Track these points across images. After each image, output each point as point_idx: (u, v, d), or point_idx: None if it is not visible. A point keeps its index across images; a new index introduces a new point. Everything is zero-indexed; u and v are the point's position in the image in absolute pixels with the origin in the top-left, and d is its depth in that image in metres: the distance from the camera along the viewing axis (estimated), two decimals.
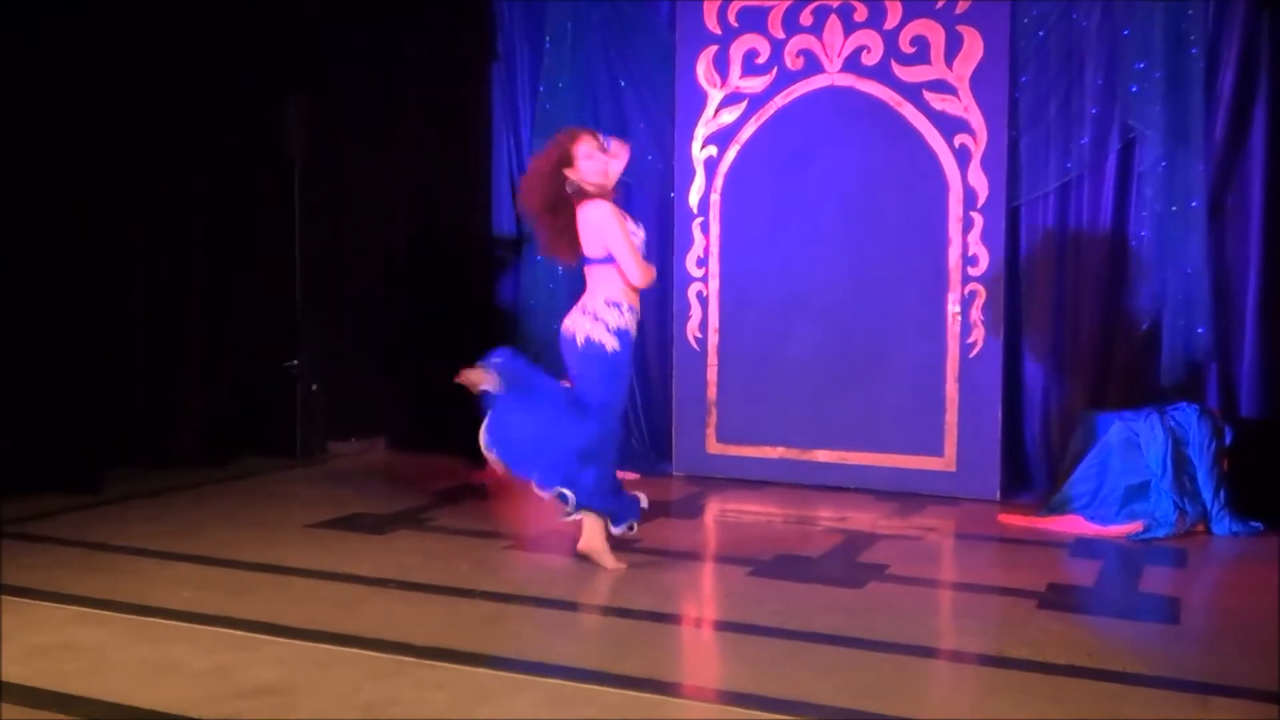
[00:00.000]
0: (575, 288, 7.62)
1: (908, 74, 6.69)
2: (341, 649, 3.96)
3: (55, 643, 4.00)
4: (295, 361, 7.63)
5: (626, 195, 7.59)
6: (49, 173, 6.40)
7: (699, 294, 7.25)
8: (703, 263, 7.24)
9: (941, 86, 6.62)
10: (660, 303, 7.56)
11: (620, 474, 6.96)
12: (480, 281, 7.95)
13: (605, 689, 3.61)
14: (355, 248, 8.12)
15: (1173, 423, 5.85)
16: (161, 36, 7.01)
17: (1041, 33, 6.52)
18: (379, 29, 7.85)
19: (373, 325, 8.14)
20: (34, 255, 6.38)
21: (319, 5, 7.76)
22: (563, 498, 4.93)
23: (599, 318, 4.90)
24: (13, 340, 6.32)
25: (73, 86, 6.51)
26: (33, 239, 6.37)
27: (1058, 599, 4.74)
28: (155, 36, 6.98)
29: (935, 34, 6.63)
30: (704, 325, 7.24)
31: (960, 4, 6.58)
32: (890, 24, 6.72)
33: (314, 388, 7.72)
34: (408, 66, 7.94)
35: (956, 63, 6.59)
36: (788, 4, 6.94)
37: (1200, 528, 5.78)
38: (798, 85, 6.94)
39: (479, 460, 7.17)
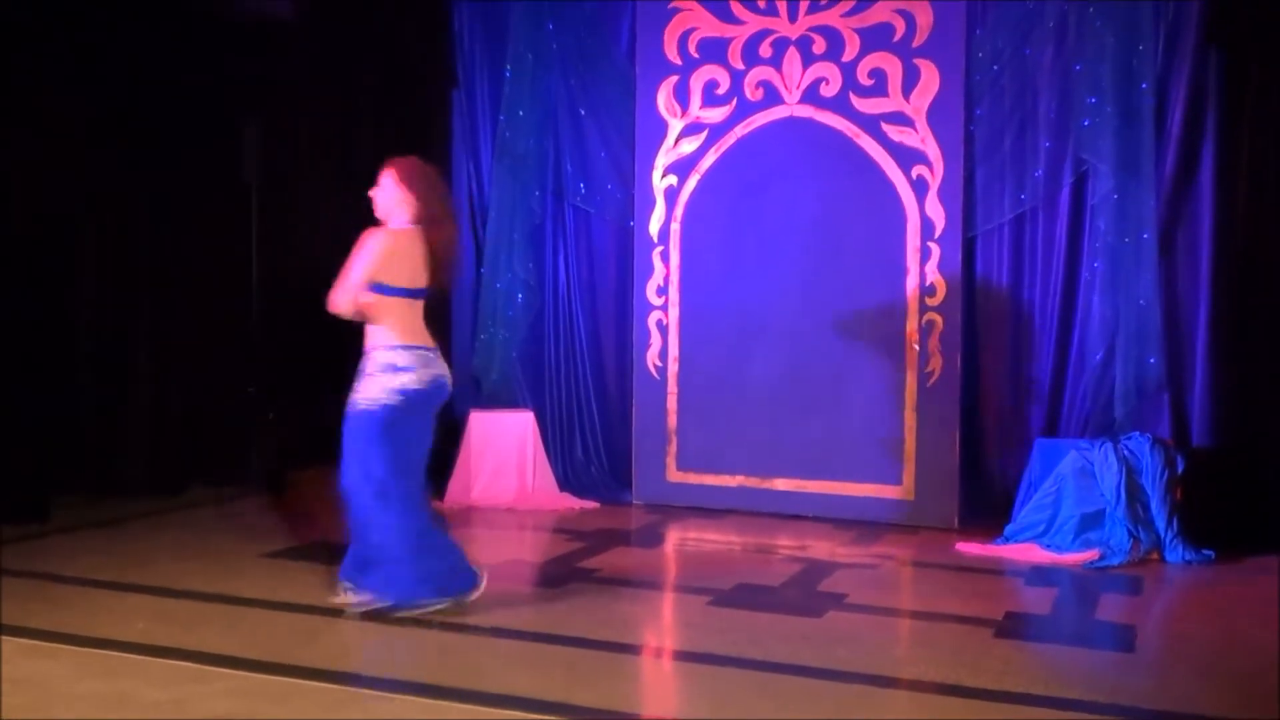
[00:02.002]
0: (536, 312, 7.68)
1: (866, 106, 6.76)
2: (298, 681, 3.90)
3: (2, 677, 3.90)
4: (251, 389, 7.55)
5: (587, 223, 7.64)
6: None
7: (659, 322, 7.26)
8: (663, 291, 7.26)
9: (899, 119, 6.70)
10: (620, 331, 7.58)
11: (573, 504, 6.97)
12: (438, 306, 7.90)
13: None
14: (312, 272, 8.04)
15: (1126, 452, 5.92)
16: (120, 59, 6.94)
17: (996, 67, 6.62)
18: (339, 54, 7.82)
19: (330, 351, 8.06)
20: None
21: (278, 29, 7.72)
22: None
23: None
24: None
25: (24, 106, 6.43)
26: None
27: (1014, 627, 4.77)
28: (112, 59, 6.92)
29: (893, 67, 6.71)
30: (664, 353, 7.25)
31: (917, 37, 6.67)
32: (848, 56, 6.80)
33: (270, 415, 7.63)
34: (367, 91, 7.91)
35: (914, 95, 6.68)
36: (747, 36, 7.01)
37: (1154, 555, 5.85)
38: (757, 116, 7.00)
39: (439, 488, 7.21)
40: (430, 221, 4.71)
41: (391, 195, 4.72)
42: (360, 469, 4.58)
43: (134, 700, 3.71)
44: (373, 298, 4.57)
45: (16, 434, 6.32)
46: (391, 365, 4.57)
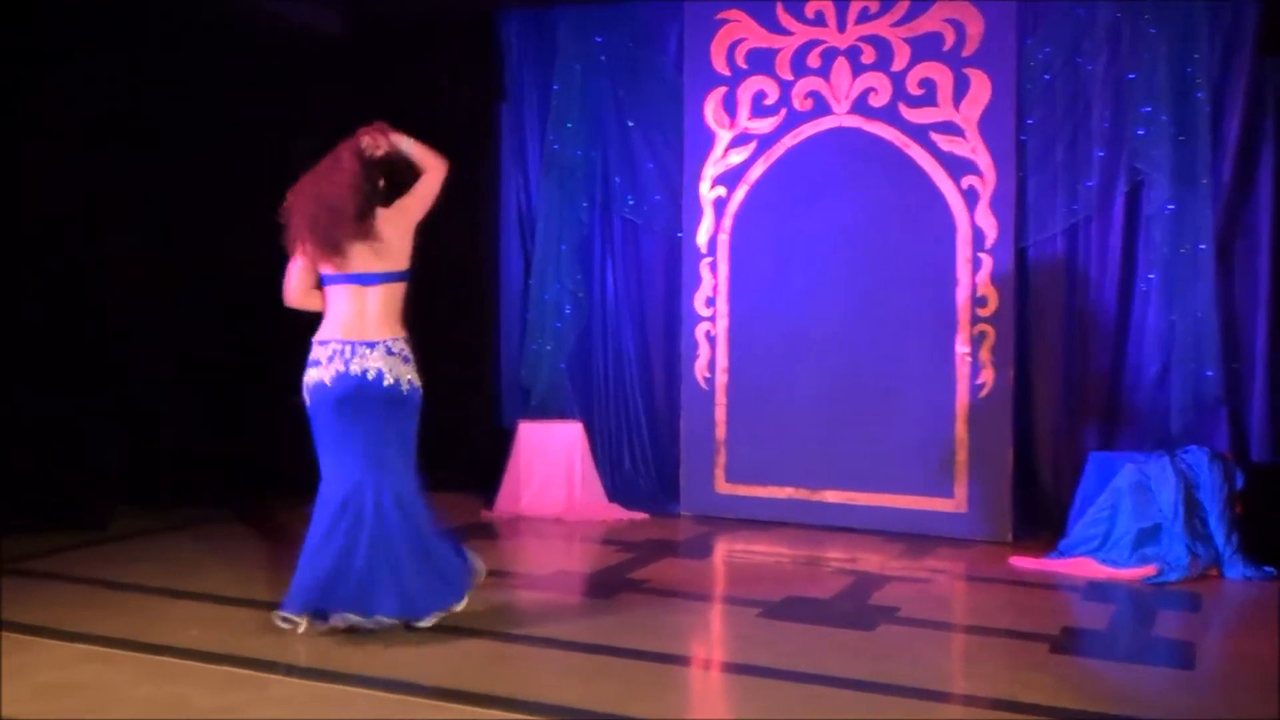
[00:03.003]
0: (584, 323, 7.70)
1: (915, 115, 6.73)
2: (350, 689, 3.93)
3: (61, 681, 3.96)
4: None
5: (635, 235, 7.65)
6: (59, 212, 6.43)
7: (707, 333, 7.25)
8: (711, 302, 7.25)
9: (949, 128, 6.66)
10: (668, 342, 7.58)
11: (621, 515, 6.90)
12: (488, 317, 7.96)
13: None
14: None
15: (1184, 466, 5.83)
16: (172, 75, 7.05)
17: (1048, 76, 6.56)
18: (386, 68, 7.90)
19: None
20: (42, 294, 6.40)
21: (327, 44, 7.81)
22: None
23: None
24: (21, 378, 6.33)
25: (81, 126, 6.54)
26: (41, 277, 6.40)
27: (1070, 643, 4.71)
28: (165, 74, 7.03)
29: (943, 76, 6.67)
30: (712, 365, 7.24)
31: (968, 47, 6.63)
32: (898, 66, 6.77)
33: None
34: (415, 106, 7.97)
35: (964, 105, 6.63)
36: (796, 46, 7.00)
37: (1213, 572, 5.75)
38: (806, 126, 6.98)
39: (488, 498, 7.24)
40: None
41: None
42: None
43: (189, 705, 3.75)
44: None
45: (78, 447, 6.43)
46: (307, 360, 4.56)
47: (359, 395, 4.47)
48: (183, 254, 7.23)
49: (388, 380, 4.51)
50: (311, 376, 4.53)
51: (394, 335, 4.58)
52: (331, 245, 4.46)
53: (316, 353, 4.54)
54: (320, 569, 4.45)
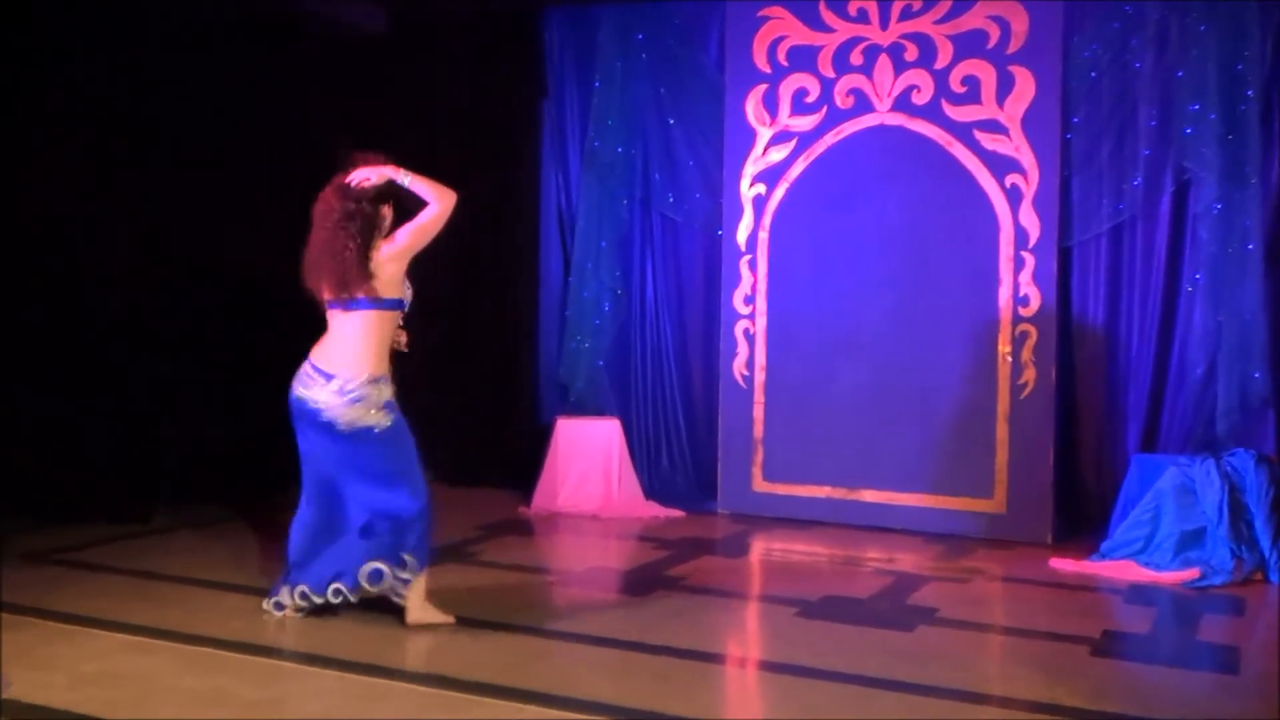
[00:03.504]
0: (623, 320, 7.71)
1: (958, 113, 6.67)
2: (389, 682, 3.96)
3: (103, 671, 4.02)
4: None
5: (674, 232, 7.65)
6: (114, 206, 6.52)
7: (746, 331, 7.23)
8: (750, 300, 7.23)
9: (993, 126, 6.60)
10: (706, 339, 7.57)
11: (658, 513, 6.89)
12: (527, 314, 7.98)
13: None
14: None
15: (1229, 469, 5.75)
16: (217, 75, 7.11)
17: (1094, 74, 6.49)
18: (429, 66, 7.94)
19: (415, 360, 8.17)
20: (85, 288, 6.49)
21: (370, 44, 7.86)
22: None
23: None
24: (66, 372, 6.42)
25: (126, 125, 6.63)
26: (85, 271, 6.48)
27: (1112, 646, 4.66)
28: (210, 75, 7.09)
29: (987, 74, 6.61)
30: (750, 363, 7.22)
31: (1012, 44, 6.56)
32: (941, 63, 6.72)
33: None
34: (458, 102, 8.02)
35: (1008, 102, 6.57)
36: (838, 43, 6.96)
37: (1258, 576, 5.66)
38: (847, 124, 6.94)
39: (525, 495, 7.27)
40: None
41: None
42: None
43: (232, 697, 3.79)
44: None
45: (120, 439, 6.50)
46: None
47: (303, 416, 4.56)
48: (235, 253, 7.29)
49: (324, 416, 4.50)
50: (291, 389, 4.62)
51: (355, 374, 4.49)
52: (347, 290, 4.52)
53: (299, 370, 4.62)
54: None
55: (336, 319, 4.58)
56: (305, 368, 4.58)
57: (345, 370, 4.49)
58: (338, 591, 4.59)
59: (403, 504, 4.56)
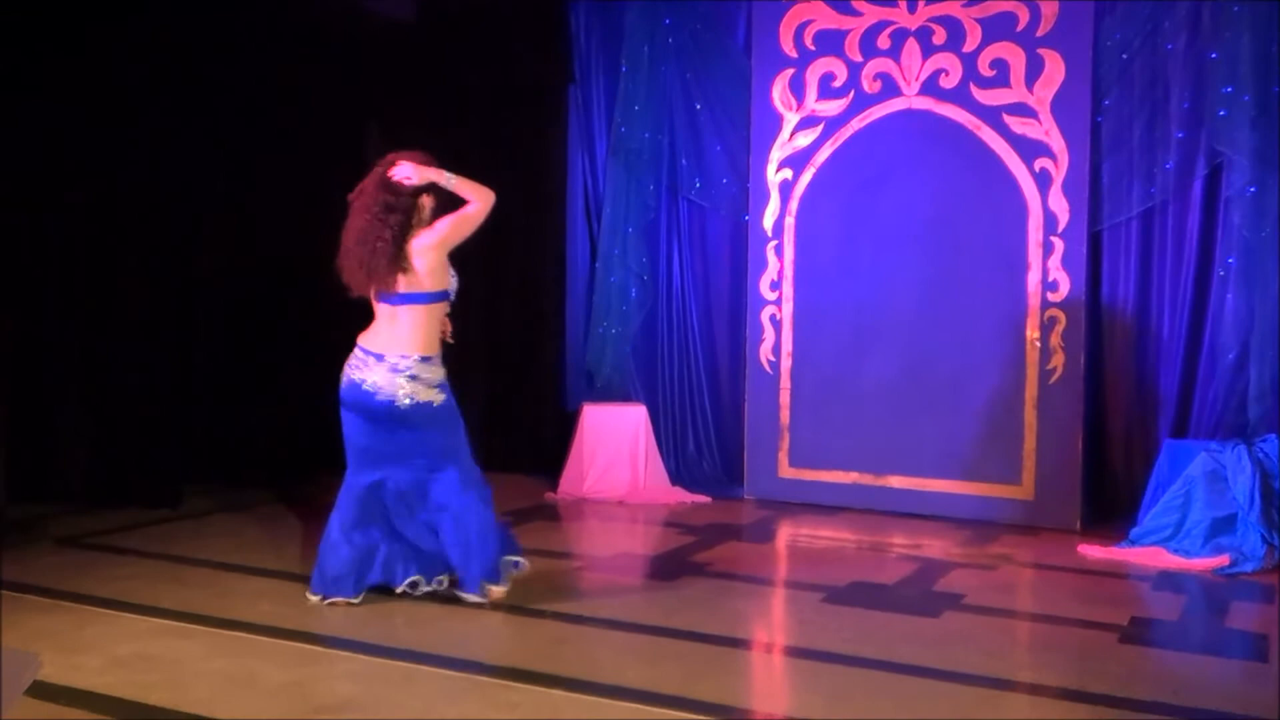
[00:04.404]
0: (649, 306, 7.71)
1: (987, 97, 6.62)
2: (417, 666, 3.99)
3: (136, 654, 4.07)
4: None
5: (701, 217, 7.64)
6: (144, 193, 6.56)
7: (772, 317, 7.22)
8: (776, 286, 7.21)
9: (1022, 110, 6.55)
10: (733, 325, 7.56)
11: (685, 498, 6.89)
12: (554, 300, 7.99)
13: (678, 713, 3.58)
14: None
15: (1261, 455, 5.69)
16: (248, 60, 7.14)
17: (1125, 56, 6.42)
18: (457, 52, 7.94)
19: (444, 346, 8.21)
20: (118, 272, 6.54)
21: (400, 30, 7.87)
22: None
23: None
24: (98, 357, 6.48)
25: (155, 102, 6.67)
26: (117, 258, 6.53)
27: (1141, 633, 4.63)
28: (241, 60, 7.12)
29: (1015, 57, 6.56)
30: (777, 348, 7.20)
31: (1042, 27, 6.50)
32: (969, 47, 6.67)
33: None
34: (484, 89, 8.02)
35: (1037, 86, 6.51)
36: (865, 27, 6.92)
37: None
38: (875, 108, 6.91)
39: (552, 481, 7.29)
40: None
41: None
42: None
43: (260, 680, 3.83)
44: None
45: (151, 423, 6.56)
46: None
47: (363, 403, 4.64)
48: (258, 240, 7.35)
49: (380, 396, 4.59)
50: (343, 375, 4.70)
51: (406, 352, 4.61)
52: (372, 280, 4.61)
53: (349, 357, 4.70)
54: (344, 556, 4.67)
55: (381, 310, 4.67)
56: (355, 353, 4.66)
57: (395, 350, 4.62)
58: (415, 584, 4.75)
59: (457, 497, 4.67)
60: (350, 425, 4.70)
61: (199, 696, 3.67)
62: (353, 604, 4.65)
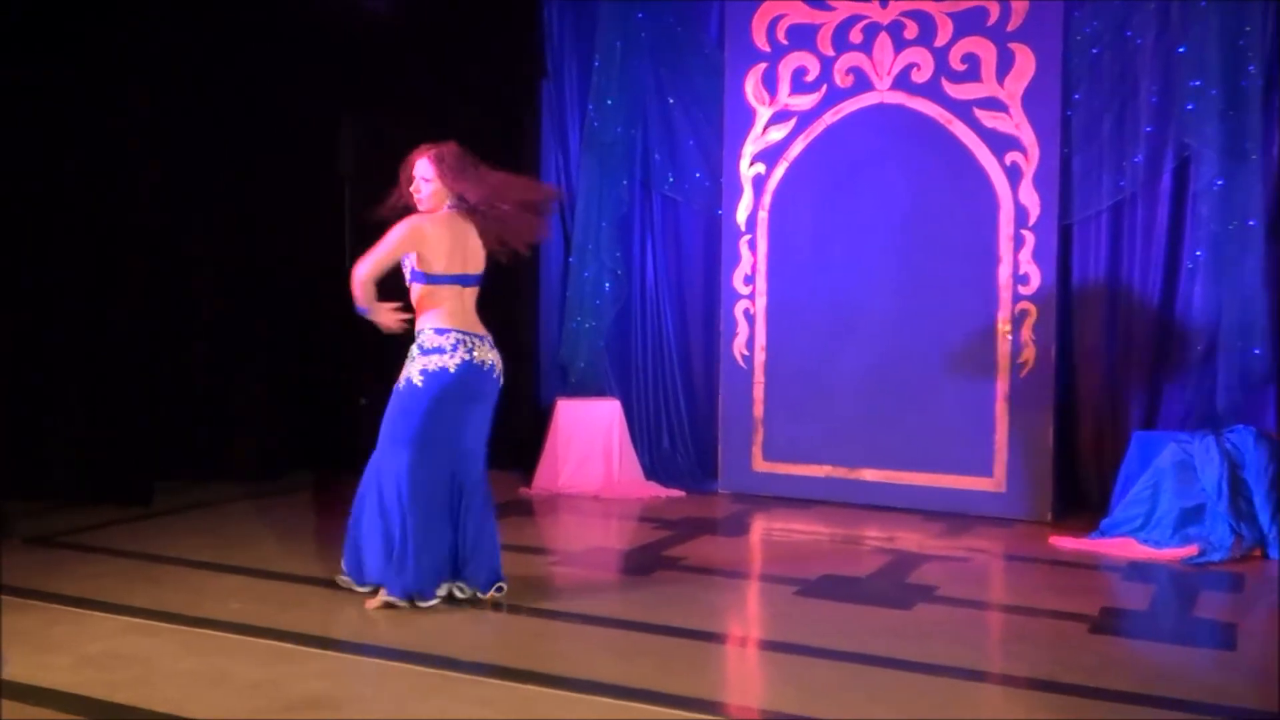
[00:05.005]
0: (623, 301, 7.70)
1: (958, 91, 6.65)
2: (389, 663, 3.97)
3: (105, 652, 4.04)
4: (364, 400, 7.58)
5: (674, 212, 7.64)
6: (111, 188, 6.50)
7: (746, 311, 7.23)
8: (750, 280, 7.22)
9: (993, 104, 6.58)
10: (707, 320, 7.57)
11: (659, 493, 6.90)
12: (527, 294, 7.97)
13: (652, 708, 3.59)
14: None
15: (1229, 445, 5.75)
16: (222, 55, 7.09)
17: (1095, 50, 6.46)
18: (430, 47, 7.90)
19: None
20: (88, 269, 6.48)
21: (373, 24, 7.82)
22: None
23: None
24: (68, 354, 6.43)
25: (132, 102, 6.61)
26: (88, 254, 6.48)
27: (1111, 623, 4.67)
28: (215, 55, 7.07)
29: (986, 51, 6.59)
30: (751, 343, 7.21)
31: (1012, 21, 6.53)
32: (941, 41, 6.69)
33: (363, 401, 7.73)
34: (457, 82, 7.98)
35: (1008, 80, 6.54)
36: (838, 21, 6.93)
37: (1257, 552, 5.67)
38: (847, 103, 6.92)
39: (526, 476, 7.28)
40: (489, 208, 4.67)
41: (437, 185, 4.67)
42: (382, 449, 4.63)
43: (232, 678, 3.81)
44: (420, 288, 4.64)
45: (121, 419, 6.51)
46: (425, 348, 4.60)
47: (480, 383, 4.64)
48: (229, 239, 7.30)
49: (497, 373, 4.71)
50: (434, 363, 4.57)
51: (486, 331, 4.74)
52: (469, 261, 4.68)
53: (437, 341, 4.59)
54: (436, 551, 4.59)
55: (456, 292, 4.64)
56: (449, 337, 4.57)
57: (479, 328, 4.71)
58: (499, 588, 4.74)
59: (481, 483, 4.71)
60: (441, 412, 4.55)
61: (169, 695, 3.65)
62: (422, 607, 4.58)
